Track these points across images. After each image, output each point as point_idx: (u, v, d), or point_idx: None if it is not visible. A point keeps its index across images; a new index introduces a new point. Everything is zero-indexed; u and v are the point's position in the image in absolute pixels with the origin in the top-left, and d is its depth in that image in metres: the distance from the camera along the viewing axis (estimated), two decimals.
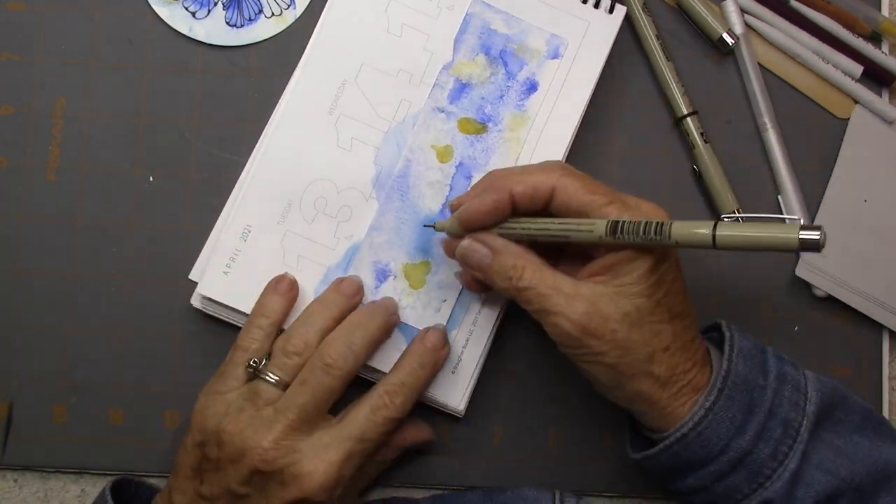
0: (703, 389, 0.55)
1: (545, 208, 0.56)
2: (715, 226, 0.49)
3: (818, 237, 0.45)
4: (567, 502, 0.59)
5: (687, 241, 0.50)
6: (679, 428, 0.54)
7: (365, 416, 0.57)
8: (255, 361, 0.59)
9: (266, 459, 0.55)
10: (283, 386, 0.58)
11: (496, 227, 0.57)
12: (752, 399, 0.54)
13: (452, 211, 0.59)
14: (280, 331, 0.61)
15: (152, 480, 0.64)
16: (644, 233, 0.51)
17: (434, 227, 0.61)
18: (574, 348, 0.55)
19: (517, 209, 0.56)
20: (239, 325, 0.62)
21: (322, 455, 0.56)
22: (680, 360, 0.54)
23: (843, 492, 0.55)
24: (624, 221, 0.52)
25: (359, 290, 0.62)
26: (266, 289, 0.61)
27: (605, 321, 0.53)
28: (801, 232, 0.46)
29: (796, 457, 0.54)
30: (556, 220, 0.55)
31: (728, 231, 0.48)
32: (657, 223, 0.51)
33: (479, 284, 0.60)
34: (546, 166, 0.56)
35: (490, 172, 0.58)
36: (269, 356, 0.59)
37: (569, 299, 0.53)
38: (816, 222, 0.67)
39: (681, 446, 0.55)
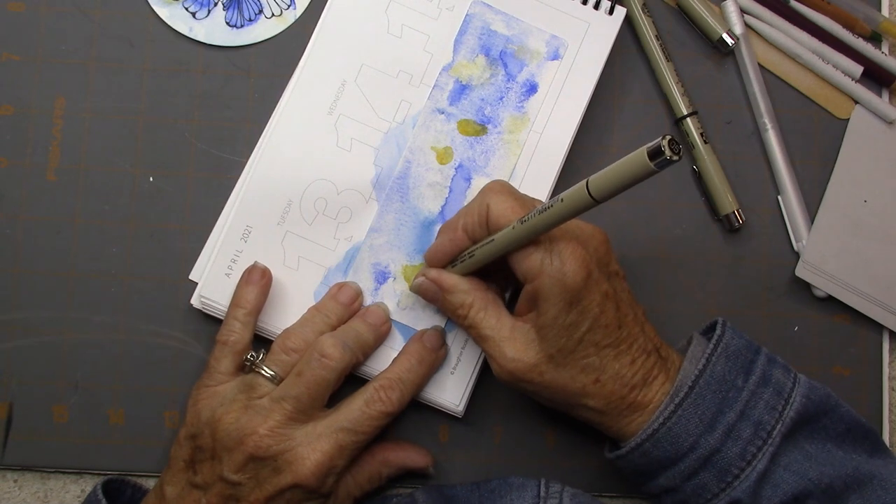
0: (648, 406, 0.56)
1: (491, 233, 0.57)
2: (587, 180, 0.49)
3: (660, 144, 0.45)
4: (552, 489, 0.59)
5: (572, 200, 0.50)
6: (649, 424, 0.55)
7: (359, 408, 0.58)
8: (252, 356, 0.60)
9: (261, 446, 0.56)
10: (279, 382, 0.59)
11: (454, 262, 0.59)
12: (724, 399, 0.55)
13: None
14: (276, 333, 0.61)
15: (152, 481, 0.64)
16: (542, 210, 0.52)
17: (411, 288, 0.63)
18: (511, 386, 0.58)
19: (474, 239, 0.58)
20: None
21: (315, 444, 0.57)
22: (614, 387, 0.56)
23: (811, 492, 0.55)
24: (530, 212, 0.53)
25: (356, 296, 0.63)
26: (239, 281, 0.62)
27: (532, 367, 0.56)
28: (648, 147, 0.46)
29: (765, 458, 0.55)
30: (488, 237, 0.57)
31: (595, 176, 0.49)
32: (551, 199, 0.52)
33: None
34: (483, 189, 0.58)
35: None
36: (265, 352, 0.60)
37: (503, 344, 0.57)
38: (816, 222, 0.67)
39: (651, 443, 0.56)
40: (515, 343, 0.56)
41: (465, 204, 0.62)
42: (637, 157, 0.46)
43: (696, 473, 0.56)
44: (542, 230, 0.53)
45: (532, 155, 0.64)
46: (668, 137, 0.45)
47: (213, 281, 0.63)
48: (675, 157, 0.45)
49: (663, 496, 0.58)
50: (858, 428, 0.58)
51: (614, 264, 0.57)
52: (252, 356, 0.60)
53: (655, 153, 0.45)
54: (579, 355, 0.55)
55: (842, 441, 0.58)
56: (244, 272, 0.62)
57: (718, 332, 0.57)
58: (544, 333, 0.55)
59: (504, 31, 0.65)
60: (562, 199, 0.51)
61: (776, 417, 0.56)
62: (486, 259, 0.57)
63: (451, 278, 0.59)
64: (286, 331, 0.61)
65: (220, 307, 0.63)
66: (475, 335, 0.58)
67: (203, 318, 0.64)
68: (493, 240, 0.56)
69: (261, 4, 0.67)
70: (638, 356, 0.56)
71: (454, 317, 0.59)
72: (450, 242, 0.59)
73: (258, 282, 0.62)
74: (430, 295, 0.60)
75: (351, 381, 0.61)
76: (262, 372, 0.59)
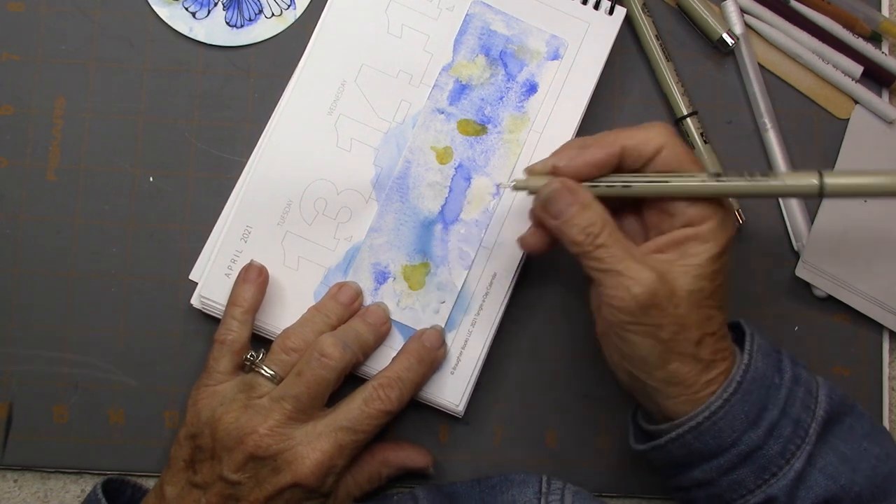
0: (704, 391, 0.55)
1: (643, 169, 0.56)
2: (821, 174, 0.50)
3: None
4: (553, 485, 0.59)
5: (795, 184, 0.52)
6: (693, 416, 0.54)
7: (358, 406, 0.58)
8: (252, 356, 0.60)
9: (261, 445, 0.56)
10: (279, 382, 0.59)
11: (597, 181, 0.56)
12: (767, 395, 0.55)
13: (530, 174, 0.58)
14: (276, 332, 0.61)
15: (152, 481, 0.64)
16: (749, 175, 0.52)
17: (516, 186, 0.58)
18: (631, 317, 0.54)
19: (621, 166, 0.56)
20: None
21: (314, 443, 0.57)
22: (721, 346, 0.55)
23: (840, 499, 0.55)
24: (729, 172, 0.54)
25: (356, 296, 0.63)
26: (236, 280, 0.62)
27: (671, 295, 0.53)
28: None
29: (803, 457, 0.55)
30: (660, 174, 0.55)
31: (836, 175, 0.50)
32: (765, 171, 0.53)
33: (540, 239, 0.59)
34: (653, 126, 0.56)
35: (587, 137, 0.57)
36: (265, 352, 0.60)
37: (641, 266, 0.53)
38: (816, 222, 0.67)
39: (693, 435, 0.55)
40: (653, 269, 0.53)
41: (615, 130, 0.57)
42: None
43: (734, 469, 0.55)
44: (732, 196, 0.54)
45: (532, 155, 0.64)
46: None
47: (213, 281, 0.63)
48: None
49: (695, 489, 0.57)
50: (877, 427, 0.59)
51: None
52: (252, 356, 0.60)
53: None
54: (709, 303, 0.54)
55: (872, 438, 0.57)
56: (240, 271, 0.62)
57: (748, 329, 0.57)
58: (689, 270, 0.54)
59: (504, 31, 0.65)
60: (783, 180, 0.51)
61: (811, 416, 0.55)
62: (641, 195, 0.55)
63: (588, 194, 0.55)
64: (286, 331, 0.61)
65: (220, 307, 0.63)
66: (606, 255, 0.54)
67: (203, 318, 0.64)
68: (666, 181, 0.54)
69: (261, 4, 0.67)
70: (727, 330, 0.57)
71: (579, 235, 0.54)
72: (605, 156, 0.55)
73: (255, 280, 0.62)
74: (562, 205, 0.55)
75: (351, 380, 0.61)
76: (262, 372, 0.59)
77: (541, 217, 0.57)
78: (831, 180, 0.50)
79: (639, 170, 0.56)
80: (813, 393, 0.56)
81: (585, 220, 0.54)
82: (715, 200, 0.55)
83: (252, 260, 0.62)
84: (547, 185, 0.56)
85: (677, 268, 0.54)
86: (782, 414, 0.55)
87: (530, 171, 0.58)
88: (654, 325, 0.53)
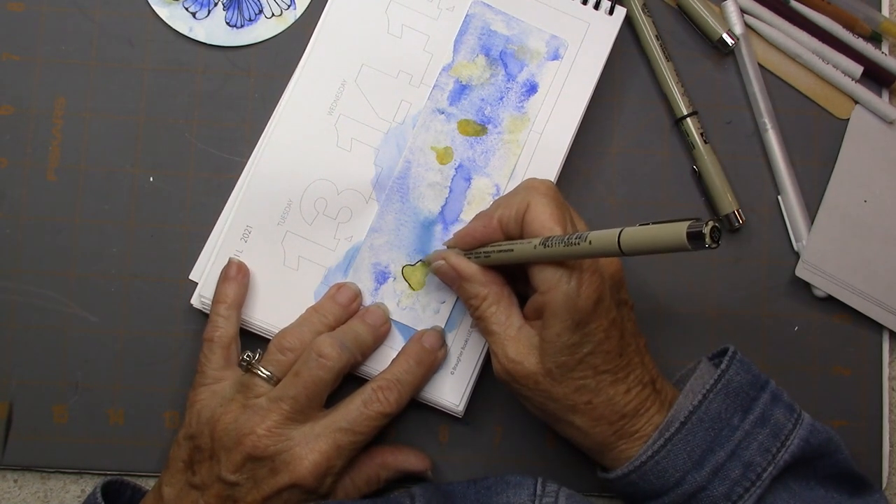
0: (635, 435, 0.57)
1: (523, 233, 0.56)
2: (621, 231, 0.48)
3: (701, 229, 0.44)
4: (548, 488, 0.59)
5: (600, 245, 0.49)
6: (638, 456, 0.56)
7: (357, 408, 0.58)
8: (248, 355, 0.60)
9: (259, 446, 0.56)
10: (276, 382, 0.59)
11: (472, 252, 0.59)
12: (716, 437, 0.56)
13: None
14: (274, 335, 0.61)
15: (152, 482, 0.64)
16: (567, 242, 0.51)
17: (421, 261, 0.64)
18: (506, 383, 0.58)
19: (507, 232, 0.57)
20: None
21: (313, 444, 0.57)
22: (604, 412, 0.56)
23: None
24: (555, 236, 0.53)
25: (355, 297, 0.63)
26: (218, 279, 0.62)
27: (529, 374, 0.56)
28: (690, 226, 0.44)
29: (751, 499, 0.55)
30: (510, 241, 0.56)
31: (630, 231, 0.48)
32: (579, 233, 0.51)
33: None
34: (529, 185, 0.57)
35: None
36: (262, 352, 0.60)
37: (506, 343, 0.57)
38: (816, 222, 0.67)
39: (638, 475, 0.56)
40: (519, 345, 0.56)
41: (504, 195, 0.60)
42: (675, 229, 0.45)
43: None
44: (561, 259, 0.53)
45: (532, 155, 0.64)
46: (712, 224, 0.44)
47: (213, 281, 0.63)
48: (713, 245, 0.44)
49: None
50: (849, 476, 0.59)
51: (625, 293, 0.57)
52: (248, 356, 0.60)
53: (695, 236, 0.44)
54: (577, 375, 0.55)
55: (825, 481, 0.58)
56: (222, 270, 0.62)
57: (723, 366, 0.57)
58: (546, 347, 0.55)
59: (504, 31, 0.65)
60: (590, 241, 0.50)
61: (768, 460, 0.56)
62: (499, 264, 0.57)
63: (470, 267, 0.58)
64: (283, 330, 0.61)
65: None
66: (482, 328, 0.58)
67: (203, 318, 0.64)
68: (511, 249, 0.55)
69: (261, 4, 0.67)
70: (633, 386, 0.57)
71: (467, 305, 0.59)
72: (483, 229, 0.58)
73: (235, 276, 0.62)
74: (447, 279, 0.60)
75: (351, 381, 0.61)
76: (259, 372, 0.59)
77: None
78: (626, 233, 0.48)
79: (521, 234, 0.56)
80: (781, 436, 0.56)
81: (467, 292, 0.59)
82: (561, 269, 0.54)
83: (231, 258, 0.63)
84: (434, 263, 0.61)
85: (539, 343, 0.56)
86: (731, 456, 0.55)
87: (447, 244, 0.63)
88: (523, 395, 0.58)
